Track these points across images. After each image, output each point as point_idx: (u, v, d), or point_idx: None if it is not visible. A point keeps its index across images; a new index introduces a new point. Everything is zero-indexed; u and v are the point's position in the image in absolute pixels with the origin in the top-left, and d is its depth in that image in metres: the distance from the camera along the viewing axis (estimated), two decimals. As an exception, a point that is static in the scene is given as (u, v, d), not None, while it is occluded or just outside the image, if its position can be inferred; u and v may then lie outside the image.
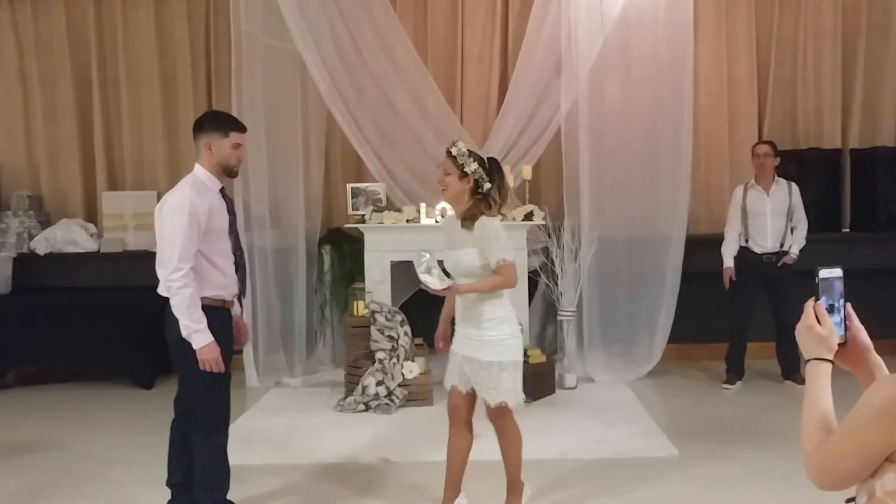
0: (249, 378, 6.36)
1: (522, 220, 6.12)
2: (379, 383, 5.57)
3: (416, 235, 5.91)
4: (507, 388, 3.48)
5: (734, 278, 5.97)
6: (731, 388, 6.00)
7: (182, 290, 3.31)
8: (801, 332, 1.60)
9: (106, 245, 6.88)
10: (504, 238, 3.45)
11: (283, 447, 4.90)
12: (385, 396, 5.53)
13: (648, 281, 6.42)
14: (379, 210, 6.16)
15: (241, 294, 3.69)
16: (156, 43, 7.15)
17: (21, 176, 7.27)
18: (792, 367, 5.88)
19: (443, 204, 6.04)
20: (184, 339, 3.35)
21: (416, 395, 5.58)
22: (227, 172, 3.56)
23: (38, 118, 7.22)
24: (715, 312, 6.28)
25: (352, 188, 6.47)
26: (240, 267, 3.62)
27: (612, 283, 6.44)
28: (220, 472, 3.56)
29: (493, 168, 3.57)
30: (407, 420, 5.31)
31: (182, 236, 3.32)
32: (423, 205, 6.11)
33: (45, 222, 7.08)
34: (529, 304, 6.41)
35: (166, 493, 3.68)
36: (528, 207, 6.18)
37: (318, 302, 6.78)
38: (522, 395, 3.58)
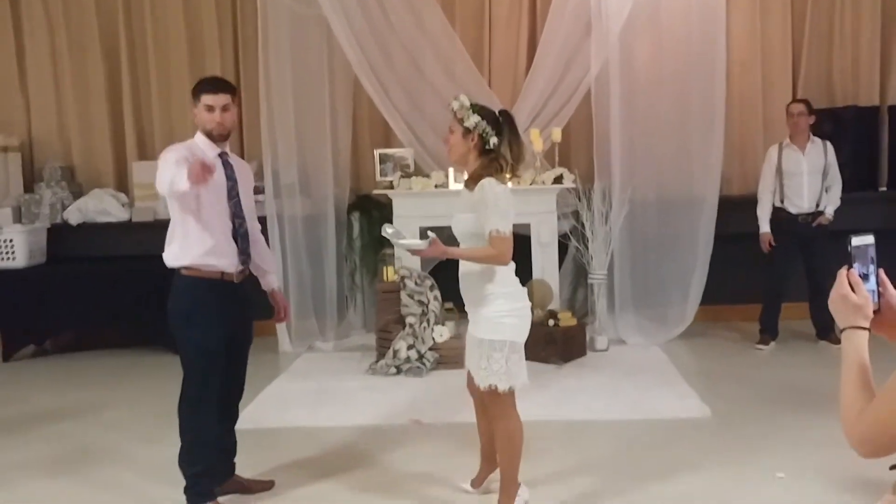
0: (282, 343, 6.42)
1: (552, 183, 6.08)
2: (410, 347, 5.60)
3: (445, 201, 5.87)
4: (497, 370, 3.13)
5: (773, 243, 5.88)
6: (764, 349, 5.95)
7: (162, 177, 3.15)
8: (834, 301, 1.56)
9: (137, 214, 6.94)
10: (504, 206, 3.08)
11: (316, 410, 4.94)
12: (416, 360, 5.56)
13: (681, 242, 6.35)
14: (407, 176, 6.15)
15: (244, 264, 3.48)
16: (183, 12, 7.15)
17: (53, 147, 7.33)
18: (827, 327, 5.82)
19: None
20: (176, 314, 3.32)
21: (447, 358, 5.59)
22: (209, 137, 3.41)
23: (68, 90, 7.27)
24: (749, 273, 6.21)
25: (380, 154, 6.46)
26: (239, 236, 3.44)
27: (643, 245, 6.40)
28: (199, 445, 3.41)
29: (503, 121, 3.22)
30: (438, 383, 5.33)
31: (164, 168, 3.17)
32: (451, 170, 6.08)
33: (78, 193, 7.15)
34: (560, 268, 6.38)
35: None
36: (558, 170, 6.13)
37: (348, 268, 6.81)
38: (522, 381, 3.22)
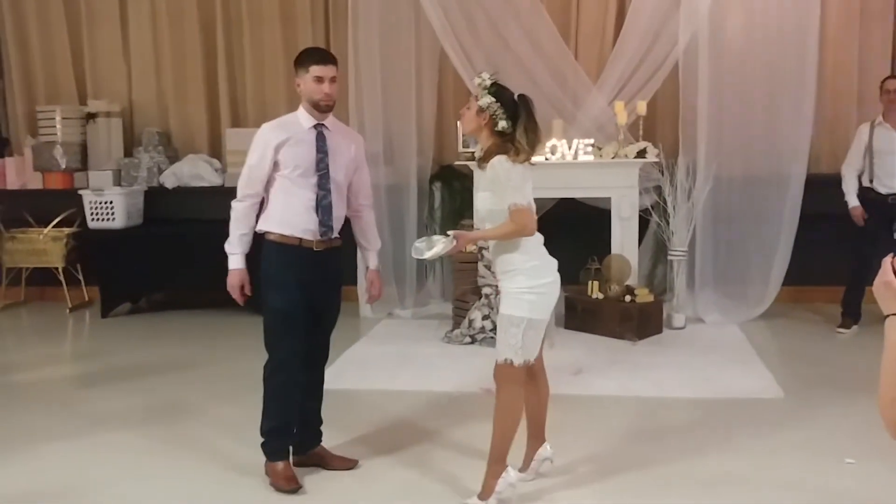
0: (363, 308, 6.61)
1: (635, 157, 6.05)
2: (485, 317, 5.70)
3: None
4: (513, 345, 3.13)
5: (864, 219, 5.73)
6: (845, 333, 5.83)
7: (232, 212, 3.49)
8: (878, 288, 1.58)
9: (230, 180, 7.17)
10: (517, 180, 3.09)
11: (394, 374, 5.11)
12: (491, 330, 5.65)
13: (765, 221, 6.24)
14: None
15: (323, 235, 3.47)
16: (276, -17, 7.31)
17: (151, 113, 7.63)
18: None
19: (553, 141, 6.03)
20: (263, 278, 3.46)
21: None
22: (315, 107, 3.45)
23: (166, 57, 7.54)
24: (834, 254, 6.08)
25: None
26: (321, 208, 3.45)
27: (726, 222, 6.31)
28: (272, 404, 3.52)
29: (520, 107, 3.17)
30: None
31: (247, 162, 3.48)
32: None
33: (173, 157, 7.44)
34: (640, 244, 6.36)
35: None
36: (642, 144, 6.09)
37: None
38: (530, 358, 3.18)
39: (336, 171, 3.50)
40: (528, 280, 3.14)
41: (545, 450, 3.47)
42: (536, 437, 3.48)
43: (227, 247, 3.50)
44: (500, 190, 3.11)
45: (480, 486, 3.26)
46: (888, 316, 1.57)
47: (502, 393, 3.21)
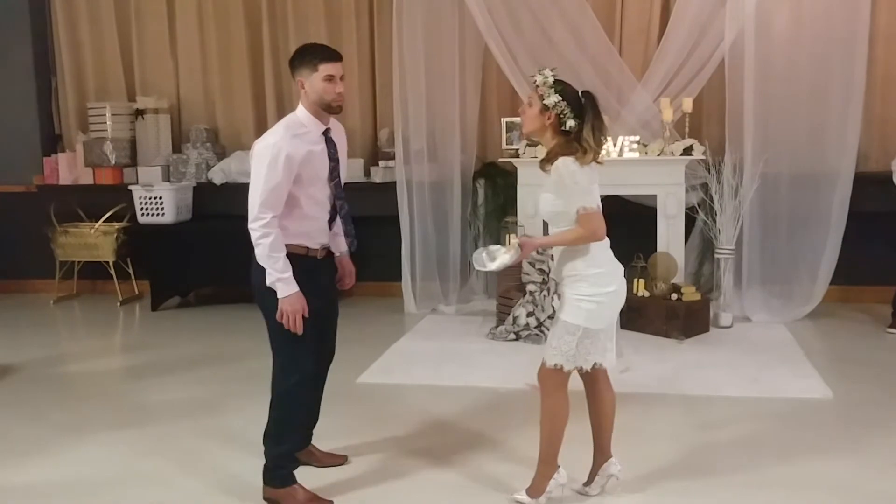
0: (407, 304, 6.67)
1: (681, 154, 6.01)
2: (529, 314, 5.70)
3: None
4: (566, 352, 3.07)
5: None
6: (895, 333, 5.74)
7: (262, 239, 3.10)
8: None
9: (276, 176, 7.26)
10: (584, 182, 3.01)
11: (438, 370, 5.14)
12: (535, 327, 5.66)
13: (813, 219, 6.17)
14: (532, 144, 6.20)
15: (353, 246, 3.46)
16: (321, -20, 7.37)
17: (199, 110, 7.74)
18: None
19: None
20: (263, 286, 3.17)
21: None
22: (327, 109, 3.20)
23: (213, 55, 7.63)
24: (885, 253, 5.99)
25: (506, 122, 6.54)
26: (341, 218, 3.37)
27: (774, 220, 6.24)
28: (289, 424, 3.30)
29: (586, 104, 3.06)
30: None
31: (263, 183, 3.08)
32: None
33: (221, 154, 7.54)
34: (686, 242, 6.32)
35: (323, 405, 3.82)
36: (688, 141, 6.05)
37: (471, 234, 6.95)
38: (585, 365, 3.12)
39: (342, 173, 3.37)
40: (589, 287, 3.05)
41: (611, 465, 3.32)
42: (601, 450, 3.33)
43: (276, 275, 3.11)
44: (567, 193, 3.02)
45: (530, 482, 3.26)
46: None
47: (548, 398, 3.16)
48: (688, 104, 6.12)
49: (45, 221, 7.24)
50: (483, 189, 6.94)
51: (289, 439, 3.31)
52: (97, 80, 7.84)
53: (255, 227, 3.12)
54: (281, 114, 7.52)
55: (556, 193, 3.06)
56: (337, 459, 3.73)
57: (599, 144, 3.06)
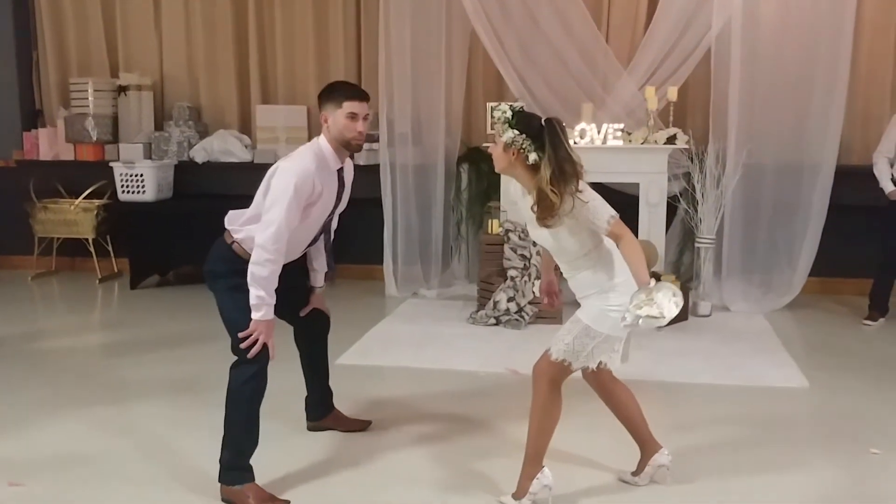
0: (389, 287, 6.66)
1: (665, 143, 6.02)
2: (510, 299, 5.71)
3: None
4: (578, 352, 3.01)
5: None
6: (872, 325, 5.79)
7: (269, 264, 3.06)
8: None
9: (259, 156, 7.23)
10: (594, 196, 2.91)
11: (418, 352, 5.15)
12: (515, 312, 5.67)
13: (793, 210, 6.21)
14: (518, 129, 6.18)
15: (322, 282, 3.57)
16: (308, -41, 7.31)
17: (182, 87, 7.66)
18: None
19: (582, 125, 6.01)
20: (217, 273, 3.24)
21: (546, 312, 5.66)
22: (346, 146, 3.25)
23: (198, 32, 7.54)
24: (864, 246, 6.04)
25: (491, 107, 6.49)
26: (313, 245, 3.44)
27: (755, 210, 6.27)
28: (244, 423, 3.20)
29: (548, 134, 2.86)
30: (536, 336, 5.42)
31: (285, 212, 3.07)
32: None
33: (203, 132, 7.48)
34: (667, 231, 6.34)
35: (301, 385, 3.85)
36: (672, 130, 6.06)
37: (454, 219, 6.94)
38: (591, 365, 3.07)
39: (341, 206, 3.42)
40: (618, 297, 2.93)
41: (662, 456, 3.30)
42: (645, 444, 3.30)
43: (268, 299, 3.08)
44: (589, 219, 2.88)
45: (514, 479, 3.16)
46: None
47: (542, 393, 3.05)
48: (673, 93, 6.13)
49: (24, 197, 7.17)
50: (467, 173, 6.93)
51: (251, 438, 3.21)
52: (79, 55, 7.74)
53: (266, 250, 3.07)
54: (266, 94, 7.51)
55: (572, 229, 2.94)
56: (361, 424, 3.82)
57: (567, 180, 2.84)
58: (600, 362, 3.11)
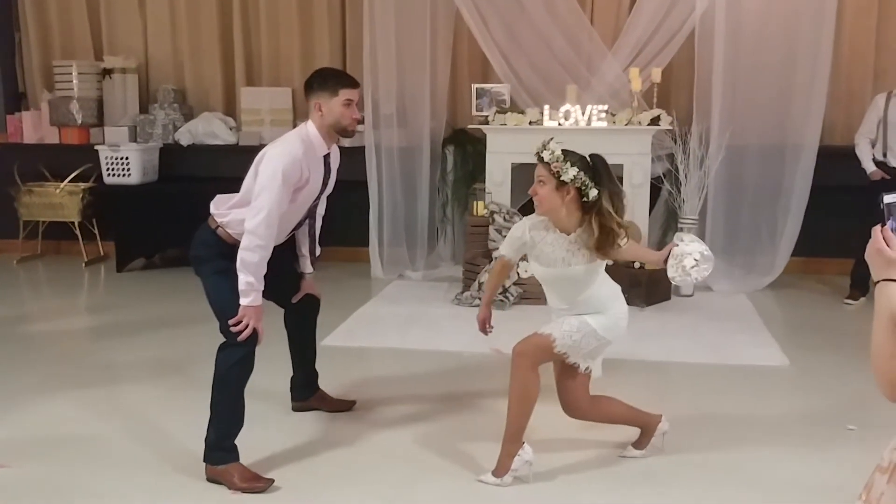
0: (374, 269, 6.69)
1: (649, 124, 6.05)
2: (495, 280, 5.74)
3: (538, 138, 5.91)
4: (582, 350, 3.08)
5: (886, 177, 5.66)
6: (853, 304, 5.85)
7: (259, 250, 3.07)
8: (870, 255, 1.62)
9: (244, 138, 7.22)
10: (631, 228, 3.10)
11: (403, 334, 5.19)
12: (500, 293, 5.71)
13: (776, 191, 6.26)
14: (502, 111, 6.21)
15: (310, 267, 3.63)
16: (291, -60, 7.28)
17: (167, 70, 7.64)
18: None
19: (566, 106, 6.03)
20: (202, 258, 3.27)
21: (531, 293, 5.71)
22: (342, 133, 3.31)
23: (182, 14, 7.53)
24: (846, 226, 6.07)
25: (477, 89, 6.53)
26: (298, 230, 3.47)
27: (738, 191, 6.32)
28: (230, 404, 3.21)
29: (598, 169, 2.94)
30: (520, 316, 5.45)
31: (276, 196, 3.08)
32: (546, 107, 6.11)
33: (188, 115, 7.47)
34: (651, 211, 6.38)
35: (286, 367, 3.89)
36: (656, 112, 6.09)
37: (440, 200, 6.96)
38: (583, 364, 3.15)
39: (326, 191, 3.45)
40: (622, 304, 3.15)
41: (663, 424, 3.40)
42: (646, 424, 3.38)
43: (256, 285, 3.09)
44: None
45: (496, 460, 3.18)
46: (878, 281, 1.62)
47: (521, 371, 3.07)
48: (657, 74, 6.16)
49: (8, 180, 7.15)
50: (452, 155, 6.94)
51: (238, 419, 3.23)
52: (63, 38, 7.71)
53: (257, 236, 3.08)
54: (250, 76, 7.48)
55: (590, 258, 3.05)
56: (346, 405, 3.86)
57: (621, 212, 2.95)
58: (587, 367, 3.19)
